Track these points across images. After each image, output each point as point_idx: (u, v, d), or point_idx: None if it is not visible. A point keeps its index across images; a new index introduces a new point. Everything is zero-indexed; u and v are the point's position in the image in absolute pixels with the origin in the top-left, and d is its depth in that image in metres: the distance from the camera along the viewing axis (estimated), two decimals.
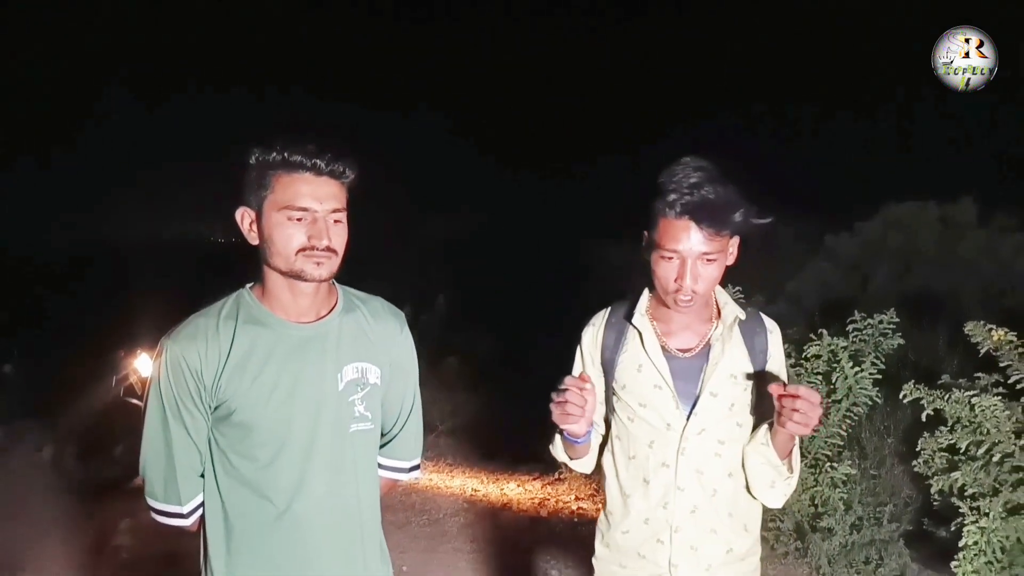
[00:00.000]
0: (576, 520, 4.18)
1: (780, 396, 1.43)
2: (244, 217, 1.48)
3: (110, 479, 5.06)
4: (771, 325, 1.74)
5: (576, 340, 1.80)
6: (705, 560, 1.65)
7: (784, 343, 4.22)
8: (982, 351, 3.27)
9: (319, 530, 1.50)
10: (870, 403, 3.69)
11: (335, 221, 1.45)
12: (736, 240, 1.61)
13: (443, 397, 6.16)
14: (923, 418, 3.18)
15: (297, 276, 1.44)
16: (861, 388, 3.64)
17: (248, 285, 1.54)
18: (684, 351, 1.66)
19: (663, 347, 1.66)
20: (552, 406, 1.50)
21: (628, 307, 1.73)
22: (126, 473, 5.14)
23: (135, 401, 5.31)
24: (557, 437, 1.73)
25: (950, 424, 3.12)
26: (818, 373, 3.82)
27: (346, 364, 1.52)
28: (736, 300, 4.35)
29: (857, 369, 3.65)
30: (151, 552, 3.99)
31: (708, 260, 1.54)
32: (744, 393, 1.66)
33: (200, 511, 1.53)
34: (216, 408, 1.46)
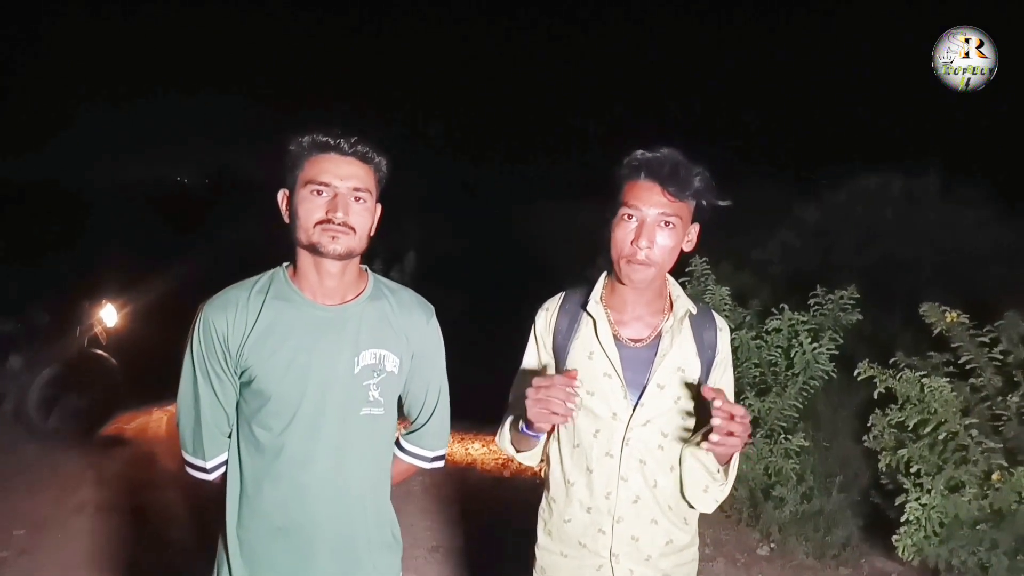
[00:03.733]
0: (539, 481, 4.27)
1: (717, 410, 1.41)
2: (282, 198, 1.57)
3: (74, 431, 5.05)
4: (721, 323, 1.76)
5: (530, 323, 1.82)
6: (645, 551, 1.67)
7: (748, 314, 4.32)
8: (935, 332, 3.38)
9: (323, 505, 1.57)
10: (826, 377, 3.80)
11: (356, 199, 1.51)
12: (695, 227, 1.65)
13: None
14: (875, 395, 3.30)
15: (315, 249, 1.50)
16: (818, 363, 3.75)
17: (285, 264, 1.62)
18: (635, 341, 1.67)
19: (615, 335, 1.67)
20: (529, 401, 1.45)
21: (583, 294, 1.74)
22: (91, 424, 5.14)
23: (100, 351, 5.28)
24: (507, 429, 1.72)
25: (900, 402, 3.23)
26: (778, 347, 3.92)
27: (364, 349, 1.57)
28: (703, 273, 4.42)
29: (815, 345, 3.75)
30: (119, 504, 4.02)
31: (667, 223, 1.57)
32: (690, 388, 1.68)
33: (222, 469, 1.62)
34: (241, 375, 1.55)
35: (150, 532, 3.64)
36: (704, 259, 4.43)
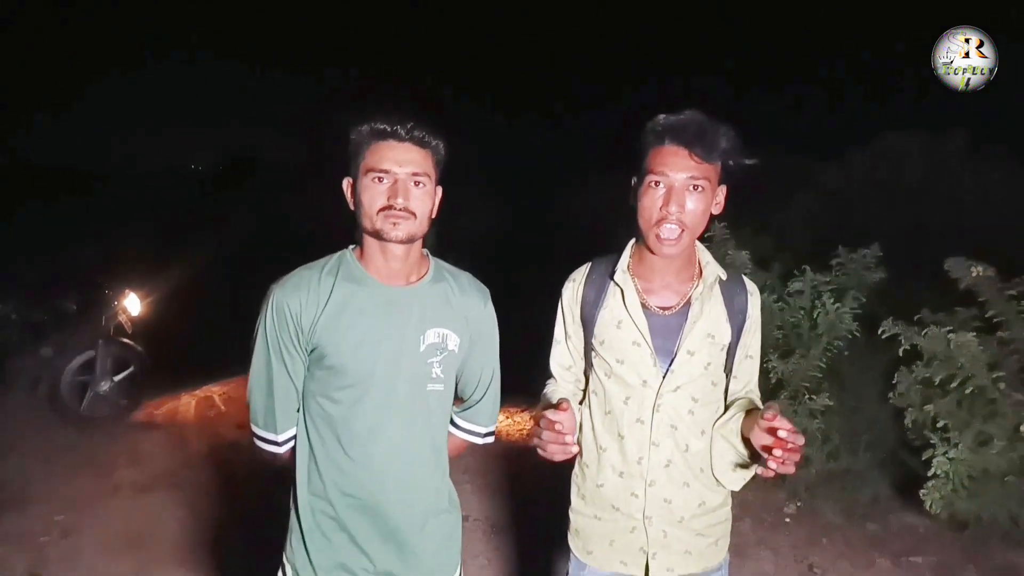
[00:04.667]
0: None
1: (771, 430, 1.44)
2: (347, 186, 1.64)
3: (106, 415, 5.15)
4: (752, 288, 1.75)
5: (557, 295, 1.83)
6: (678, 513, 1.69)
7: (769, 277, 4.30)
8: (962, 286, 3.35)
9: (390, 474, 1.63)
10: (850, 336, 3.78)
11: (415, 183, 1.56)
12: (723, 189, 1.63)
13: None
14: (900, 353, 3.28)
15: (378, 235, 1.57)
16: (842, 323, 3.72)
17: (351, 247, 1.68)
18: (664, 309, 1.67)
19: (643, 304, 1.67)
20: (543, 452, 1.51)
21: (610, 263, 1.74)
22: (121, 409, 5.24)
23: (126, 340, 5.36)
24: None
25: (926, 359, 3.21)
26: (801, 308, 3.90)
27: (429, 328, 1.64)
28: (723, 238, 4.40)
29: (838, 305, 3.72)
30: (155, 484, 4.10)
31: (695, 187, 1.55)
32: (720, 353, 1.69)
33: (292, 443, 1.69)
34: (312, 351, 1.61)
35: (186, 510, 3.72)
36: (723, 223, 4.40)
